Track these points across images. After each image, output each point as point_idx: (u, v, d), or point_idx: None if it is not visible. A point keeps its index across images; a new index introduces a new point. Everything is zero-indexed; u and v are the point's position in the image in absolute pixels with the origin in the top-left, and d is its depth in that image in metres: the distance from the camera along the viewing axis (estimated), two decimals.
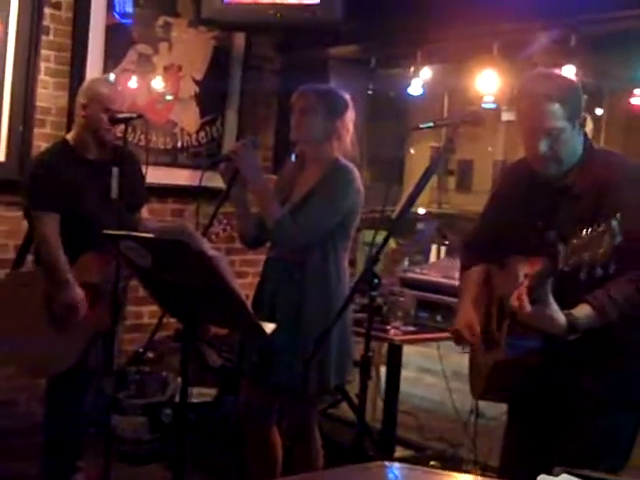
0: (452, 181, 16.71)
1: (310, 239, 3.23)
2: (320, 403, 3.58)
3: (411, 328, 4.41)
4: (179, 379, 3.02)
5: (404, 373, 6.76)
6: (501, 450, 2.87)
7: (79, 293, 3.64)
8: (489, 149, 9.35)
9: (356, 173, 3.28)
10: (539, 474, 1.93)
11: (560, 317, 2.32)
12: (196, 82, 5.20)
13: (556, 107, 2.44)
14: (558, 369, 2.53)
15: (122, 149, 3.83)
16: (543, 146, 2.47)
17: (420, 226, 6.85)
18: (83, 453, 3.83)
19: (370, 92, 5.27)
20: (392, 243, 6.00)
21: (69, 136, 3.84)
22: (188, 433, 2.90)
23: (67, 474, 3.79)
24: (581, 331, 2.34)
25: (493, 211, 2.87)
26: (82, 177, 3.70)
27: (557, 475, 1.95)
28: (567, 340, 2.36)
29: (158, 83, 5.06)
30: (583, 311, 2.35)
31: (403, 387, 6.41)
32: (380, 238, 5.72)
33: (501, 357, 2.57)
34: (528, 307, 2.29)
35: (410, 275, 4.87)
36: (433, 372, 5.76)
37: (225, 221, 3.53)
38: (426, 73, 5.05)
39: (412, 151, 12.27)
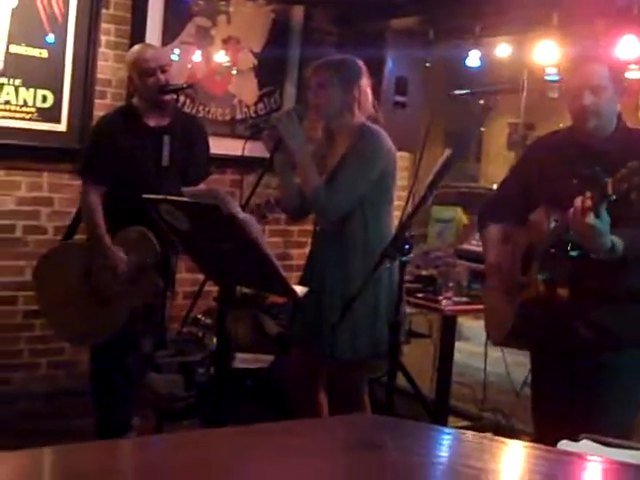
0: None
1: (345, 207, 3.24)
2: (371, 371, 3.59)
3: (464, 299, 4.41)
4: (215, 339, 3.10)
5: (471, 347, 6.80)
6: (532, 406, 2.97)
7: (119, 257, 3.72)
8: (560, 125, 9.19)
9: (384, 135, 3.28)
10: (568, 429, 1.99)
11: (608, 236, 2.51)
12: (254, 54, 5.26)
13: (602, 68, 2.72)
14: (580, 307, 2.71)
15: (184, 117, 3.92)
16: (587, 99, 2.71)
17: None
18: (135, 412, 3.96)
19: (428, 64, 5.24)
20: (464, 218, 5.98)
21: (135, 100, 3.92)
22: (227, 392, 2.99)
23: (121, 432, 3.92)
24: (616, 255, 2.56)
25: (521, 175, 3.03)
26: (139, 145, 3.77)
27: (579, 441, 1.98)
28: (585, 269, 2.61)
29: (217, 55, 5.14)
30: (617, 241, 2.56)
31: (470, 361, 6.42)
32: (450, 213, 5.72)
33: (533, 294, 2.74)
34: (591, 217, 2.45)
35: (464, 246, 4.86)
36: None
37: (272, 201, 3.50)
38: (487, 45, 5.03)
39: (482, 129, 12.15)
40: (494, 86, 2.77)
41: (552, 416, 2.80)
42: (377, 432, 1.60)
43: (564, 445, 1.90)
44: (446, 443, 1.68)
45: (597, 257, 2.57)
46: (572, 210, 2.50)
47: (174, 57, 4.93)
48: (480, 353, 6.42)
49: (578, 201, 2.48)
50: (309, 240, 5.46)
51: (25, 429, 4.10)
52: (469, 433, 1.73)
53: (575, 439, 1.97)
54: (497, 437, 1.78)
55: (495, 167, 12.19)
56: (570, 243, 2.61)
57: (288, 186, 3.42)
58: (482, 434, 1.74)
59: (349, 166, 3.24)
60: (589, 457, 1.64)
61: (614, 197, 2.36)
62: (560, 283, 2.71)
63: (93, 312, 3.79)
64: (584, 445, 1.93)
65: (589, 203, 2.45)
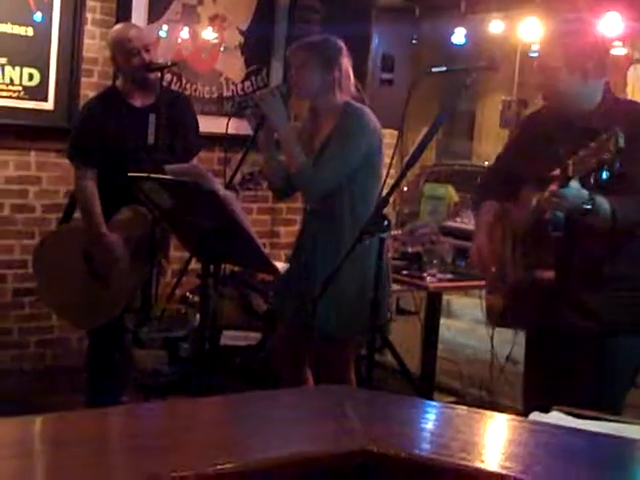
0: None
1: (330, 185, 3.25)
2: (357, 348, 3.62)
3: (448, 276, 4.44)
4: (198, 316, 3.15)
5: (461, 324, 6.85)
6: (523, 384, 3.03)
7: (116, 243, 3.76)
8: None
9: (368, 112, 3.30)
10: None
11: (583, 192, 2.45)
12: (241, 32, 5.26)
13: (555, 49, 2.67)
14: (568, 291, 2.69)
15: (170, 94, 3.93)
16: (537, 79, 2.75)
17: None
18: (125, 389, 4.01)
19: (414, 41, 5.26)
20: (455, 196, 6.02)
21: (118, 82, 3.94)
22: (212, 367, 3.04)
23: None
24: (596, 213, 2.48)
25: (510, 154, 3.02)
26: (127, 125, 3.78)
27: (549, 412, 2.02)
28: (569, 253, 2.57)
29: (204, 33, 5.15)
30: (601, 199, 2.49)
31: (458, 338, 6.47)
32: (442, 190, 5.75)
33: (518, 276, 2.74)
34: (559, 190, 2.44)
35: (449, 224, 4.89)
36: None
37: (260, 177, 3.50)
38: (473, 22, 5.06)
39: (473, 107, 12.13)
40: (470, 64, 2.76)
41: (541, 395, 2.80)
42: (351, 402, 1.64)
43: (535, 416, 1.94)
44: (424, 414, 1.71)
45: (586, 221, 2.51)
46: (545, 195, 2.51)
47: (162, 34, 4.94)
48: (469, 330, 6.51)
49: (546, 191, 2.50)
50: (297, 218, 5.53)
51: (15, 406, 4.13)
52: (446, 405, 1.77)
53: (546, 410, 2.01)
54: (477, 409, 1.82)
55: (488, 145, 12.20)
56: (552, 224, 2.58)
57: (273, 164, 3.42)
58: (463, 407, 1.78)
59: (335, 144, 3.25)
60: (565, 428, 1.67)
61: (575, 179, 2.37)
62: (543, 265, 2.68)
63: (96, 295, 3.81)
64: (555, 416, 1.97)
65: (554, 186, 2.46)
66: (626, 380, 2.82)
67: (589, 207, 2.46)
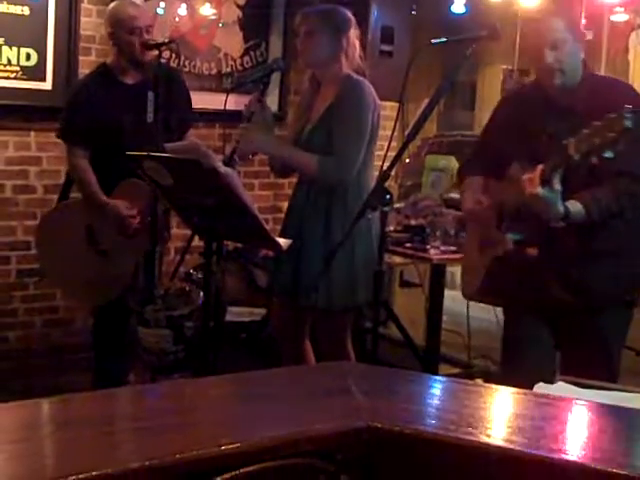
0: None
1: (355, 166, 3.24)
2: (350, 320, 3.61)
3: (451, 248, 4.43)
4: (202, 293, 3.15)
5: None
6: (501, 356, 3.04)
7: (120, 205, 3.76)
8: None
9: (368, 87, 3.28)
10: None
11: (560, 205, 2.51)
12: (239, 7, 5.21)
13: (558, 21, 2.64)
14: (553, 264, 2.71)
15: (164, 70, 3.90)
16: (549, 57, 2.64)
17: None
18: (131, 368, 4.03)
19: (414, 12, 5.21)
20: (457, 166, 5.98)
21: (108, 60, 3.93)
22: (217, 345, 3.05)
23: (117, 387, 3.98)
24: (569, 222, 2.56)
25: (495, 130, 3.02)
26: (120, 103, 3.78)
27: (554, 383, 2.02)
28: (556, 229, 2.59)
29: (202, 9, 5.10)
30: (574, 207, 2.55)
31: (462, 309, 6.47)
32: (444, 162, 5.73)
33: (500, 252, 2.74)
34: (538, 188, 2.45)
35: (452, 195, 4.87)
36: None
37: None
38: None
39: (475, 76, 12.04)
40: (471, 34, 2.72)
41: (523, 372, 2.76)
42: (355, 378, 1.64)
43: (541, 387, 1.94)
44: (428, 389, 1.71)
45: (556, 225, 2.57)
46: (523, 180, 2.51)
47: (160, 11, 4.90)
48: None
49: (526, 174, 2.49)
50: None
51: (22, 386, 4.16)
52: (451, 379, 1.77)
53: (551, 381, 2.01)
54: (483, 383, 1.83)
55: (489, 115, 12.11)
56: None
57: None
58: (469, 380, 1.78)
59: (343, 124, 3.23)
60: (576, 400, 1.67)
61: (576, 158, 2.33)
62: (529, 243, 2.70)
63: (99, 271, 3.82)
64: (560, 387, 1.97)
65: (538, 174, 2.45)
66: (616, 348, 2.84)
67: (564, 221, 2.54)
